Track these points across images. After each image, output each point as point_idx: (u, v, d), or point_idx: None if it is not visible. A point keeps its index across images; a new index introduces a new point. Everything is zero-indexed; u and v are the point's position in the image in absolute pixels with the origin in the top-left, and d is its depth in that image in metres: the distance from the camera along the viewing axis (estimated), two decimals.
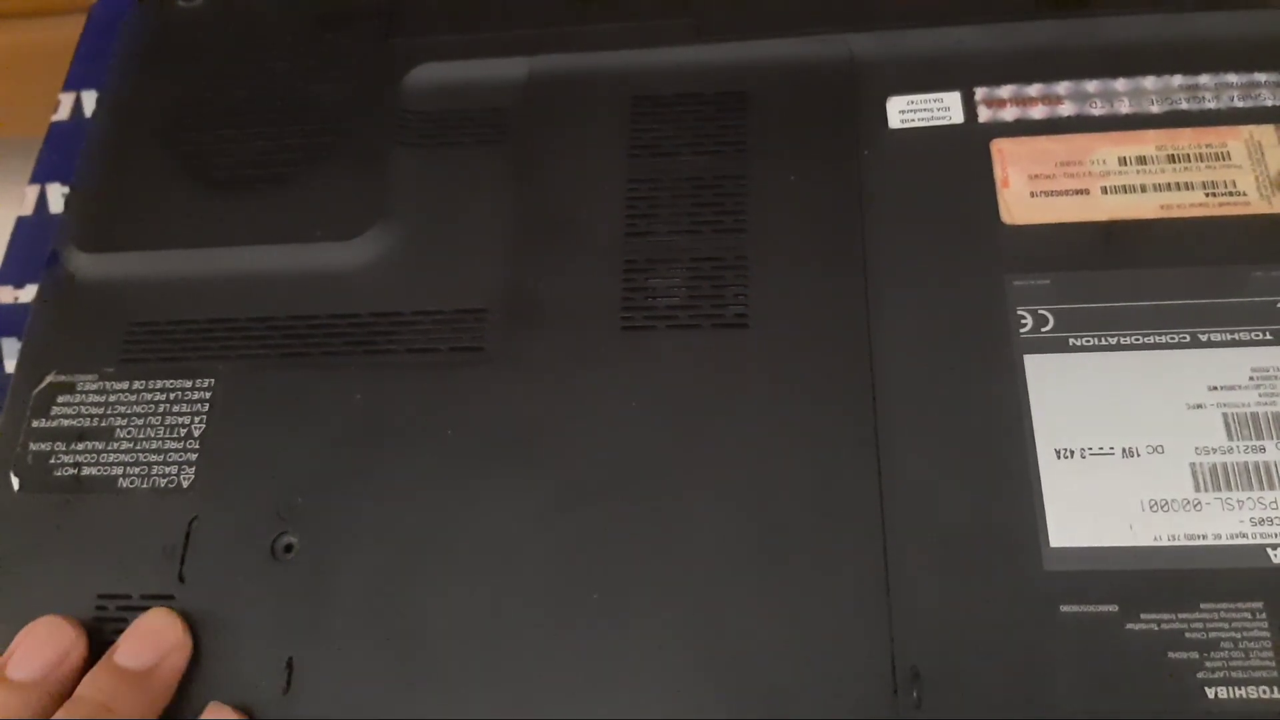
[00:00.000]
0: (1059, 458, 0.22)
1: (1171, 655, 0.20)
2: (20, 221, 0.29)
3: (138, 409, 0.25)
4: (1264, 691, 0.19)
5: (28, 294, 0.27)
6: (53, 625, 0.22)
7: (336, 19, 0.29)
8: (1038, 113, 0.25)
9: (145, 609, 0.22)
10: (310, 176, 0.27)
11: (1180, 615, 0.20)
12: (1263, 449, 0.21)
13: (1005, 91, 0.26)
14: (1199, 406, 0.22)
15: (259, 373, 0.25)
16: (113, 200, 0.27)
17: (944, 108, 0.26)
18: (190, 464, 0.24)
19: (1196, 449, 0.21)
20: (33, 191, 0.29)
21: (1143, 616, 0.20)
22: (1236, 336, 0.22)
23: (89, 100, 0.30)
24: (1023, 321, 0.23)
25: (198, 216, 0.27)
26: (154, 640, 0.22)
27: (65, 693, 0.21)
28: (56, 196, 0.29)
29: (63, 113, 0.30)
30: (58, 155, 0.30)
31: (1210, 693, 0.20)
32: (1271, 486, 0.21)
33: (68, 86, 0.31)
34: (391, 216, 0.26)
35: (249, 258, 0.26)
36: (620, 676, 0.21)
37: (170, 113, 0.28)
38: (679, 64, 0.27)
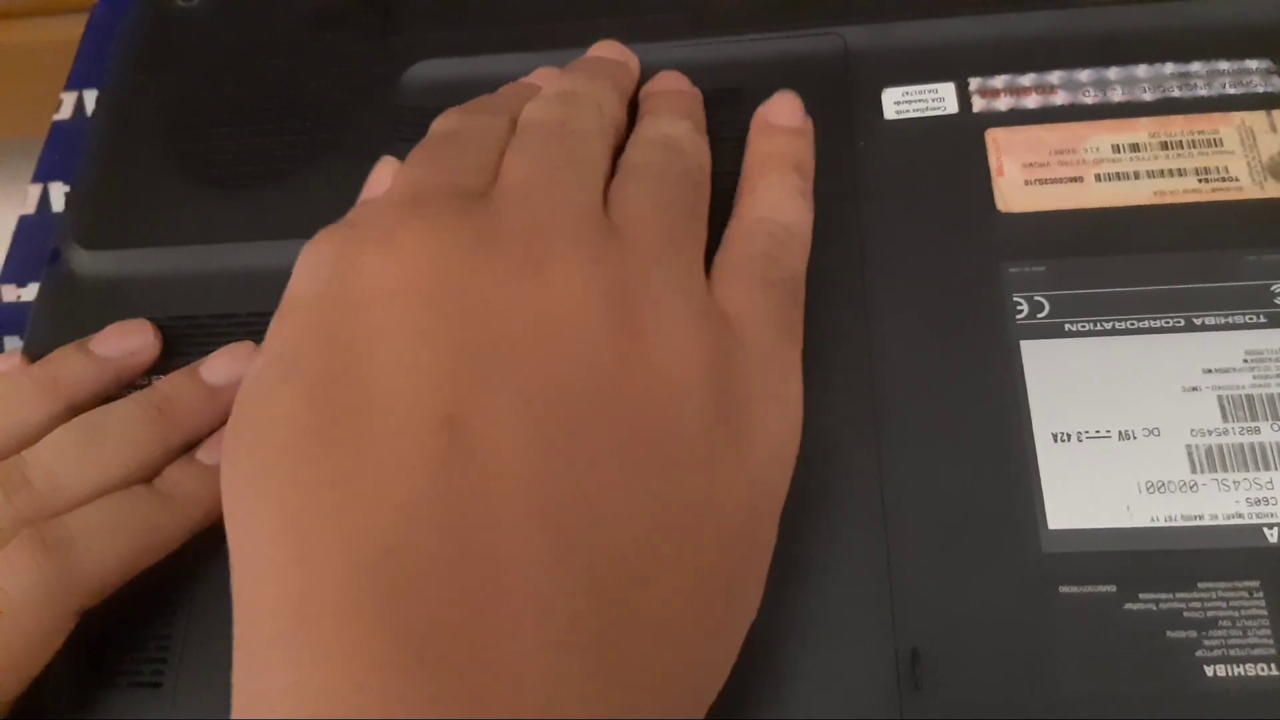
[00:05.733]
0: (1056, 441, 0.22)
1: (1170, 634, 0.20)
2: (22, 220, 0.29)
3: None
4: (1262, 669, 0.20)
5: (30, 292, 0.27)
6: (137, 324, 0.25)
7: (333, 17, 0.30)
8: (1031, 102, 0.26)
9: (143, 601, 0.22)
10: (310, 173, 0.27)
11: (1178, 595, 0.20)
12: (1257, 430, 0.22)
13: (999, 82, 0.26)
14: (1194, 389, 0.22)
15: None
16: (113, 198, 0.27)
17: (939, 98, 0.26)
18: None
19: (1192, 431, 0.22)
20: (35, 190, 0.29)
21: (1141, 596, 0.20)
22: (1230, 320, 0.23)
23: (91, 99, 0.30)
24: (1019, 308, 0.23)
25: (198, 214, 0.27)
26: (232, 360, 0.24)
27: (131, 380, 0.24)
28: (59, 195, 0.29)
29: (65, 112, 0.30)
30: (60, 154, 0.30)
31: (1209, 670, 0.20)
32: (1267, 467, 0.21)
33: (70, 85, 0.31)
34: None
35: (249, 254, 0.26)
36: None
37: (169, 111, 0.29)
38: (674, 60, 0.27)
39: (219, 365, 0.23)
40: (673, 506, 0.17)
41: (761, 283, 0.21)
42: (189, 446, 0.23)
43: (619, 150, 0.23)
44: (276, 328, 0.19)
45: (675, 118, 0.24)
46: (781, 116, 0.25)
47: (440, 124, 0.23)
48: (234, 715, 0.16)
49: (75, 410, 0.22)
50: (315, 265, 0.19)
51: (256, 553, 0.17)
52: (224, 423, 0.23)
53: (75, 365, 0.23)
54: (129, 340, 0.24)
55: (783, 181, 0.23)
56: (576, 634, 0.15)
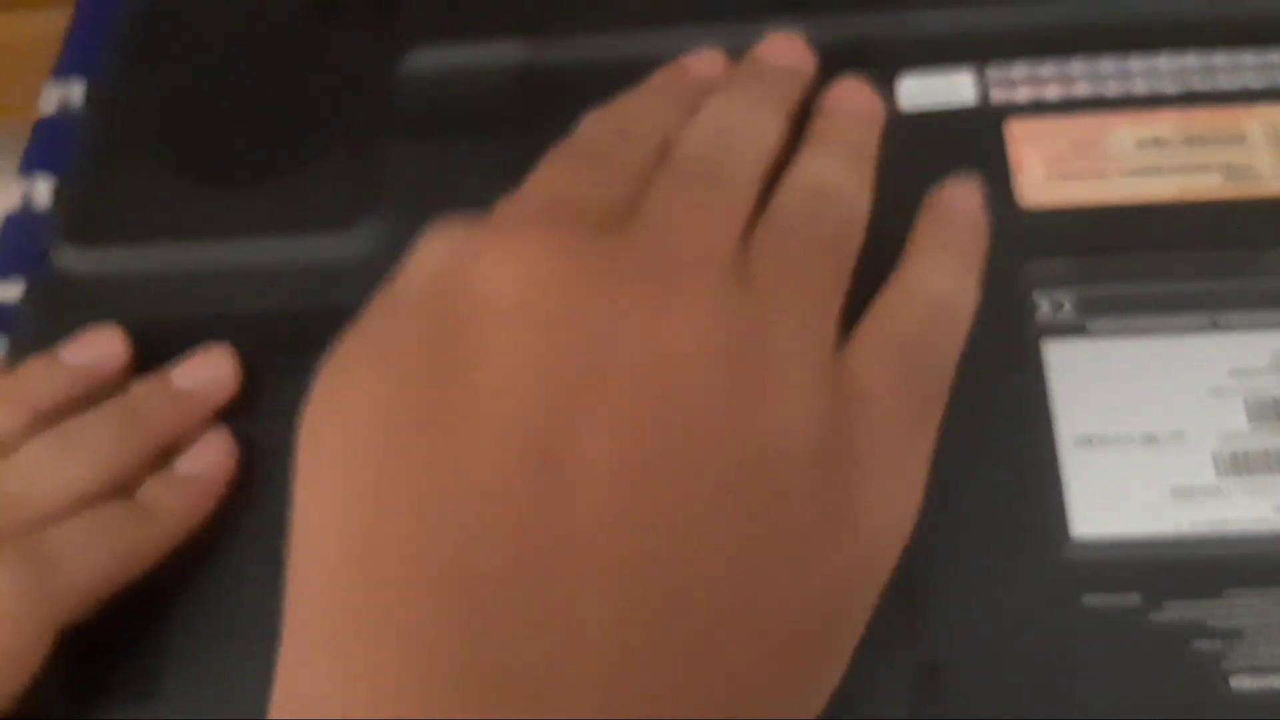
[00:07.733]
0: (1079, 445, 0.21)
1: (1195, 644, 0.20)
2: (7, 217, 0.28)
3: None
4: None
5: (14, 289, 0.27)
6: (106, 332, 0.24)
7: (329, 8, 0.29)
8: (1052, 93, 0.25)
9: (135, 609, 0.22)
10: (305, 168, 0.26)
11: (1204, 604, 0.20)
12: None
13: (1018, 72, 0.25)
14: (1220, 392, 0.21)
15: (255, 367, 0.24)
16: (103, 193, 0.27)
17: (956, 89, 0.25)
18: None
19: (1218, 435, 0.21)
20: (19, 185, 0.28)
21: (1166, 605, 0.20)
22: (1257, 320, 0.22)
23: (78, 92, 0.30)
24: (1040, 307, 0.23)
25: (190, 209, 0.26)
26: (202, 366, 0.24)
27: (102, 388, 0.23)
28: (44, 190, 0.28)
29: (50, 105, 0.30)
30: (45, 148, 0.29)
31: (1234, 682, 0.19)
32: None
33: (55, 78, 0.30)
34: (387, 207, 0.26)
35: (242, 250, 0.26)
36: None
37: (161, 104, 0.28)
38: (684, 50, 0.27)
39: (191, 370, 0.24)
40: (760, 574, 0.17)
41: (902, 364, 0.20)
42: (163, 452, 0.23)
43: (776, 170, 0.22)
44: (380, 305, 0.19)
45: (836, 156, 0.22)
46: (957, 201, 0.23)
47: (589, 129, 0.22)
48: (274, 703, 0.16)
49: (45, 421, 0.22)
50: (435, 255, 0.19)
51: (322, 525, 0.16)
52: (196, 427, 0.23)
53: (43, 376, 0.23)
54: (97, 349, 0.24)
55: (947, 260, 0.22)
56: (631, 676, 0.15)
